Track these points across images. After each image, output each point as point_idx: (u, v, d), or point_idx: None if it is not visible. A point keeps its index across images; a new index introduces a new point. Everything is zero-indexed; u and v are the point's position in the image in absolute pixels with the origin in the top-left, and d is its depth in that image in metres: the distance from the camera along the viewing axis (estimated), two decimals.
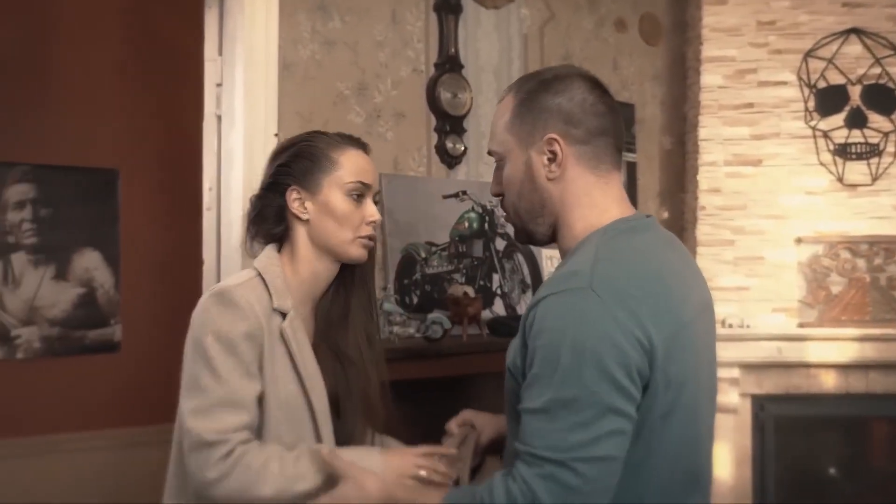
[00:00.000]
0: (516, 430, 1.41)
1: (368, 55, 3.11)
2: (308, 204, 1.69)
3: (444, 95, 3.23)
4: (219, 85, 2.93)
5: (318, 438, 1.65)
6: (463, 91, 3.28)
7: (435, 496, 1.46)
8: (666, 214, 4.01)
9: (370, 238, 1.72)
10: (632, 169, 3.90)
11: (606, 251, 1.41)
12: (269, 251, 1.72)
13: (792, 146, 3.61)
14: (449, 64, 3.24)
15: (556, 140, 1.47)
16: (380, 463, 1.58)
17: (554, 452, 1.31)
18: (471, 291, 2.99)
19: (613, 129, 1.51)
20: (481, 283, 3.23)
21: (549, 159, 1.48)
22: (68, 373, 4.13)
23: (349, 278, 1.75)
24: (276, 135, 2.85)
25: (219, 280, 2.91)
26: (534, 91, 1.50)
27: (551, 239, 1.54)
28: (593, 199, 1.49)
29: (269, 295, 1.64)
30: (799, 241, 3.58)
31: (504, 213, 1.61)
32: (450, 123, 3.23)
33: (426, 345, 2.75)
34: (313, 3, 2.97)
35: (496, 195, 1.60)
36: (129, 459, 4.19)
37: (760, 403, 3.60)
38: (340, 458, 1.57)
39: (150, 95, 4.36)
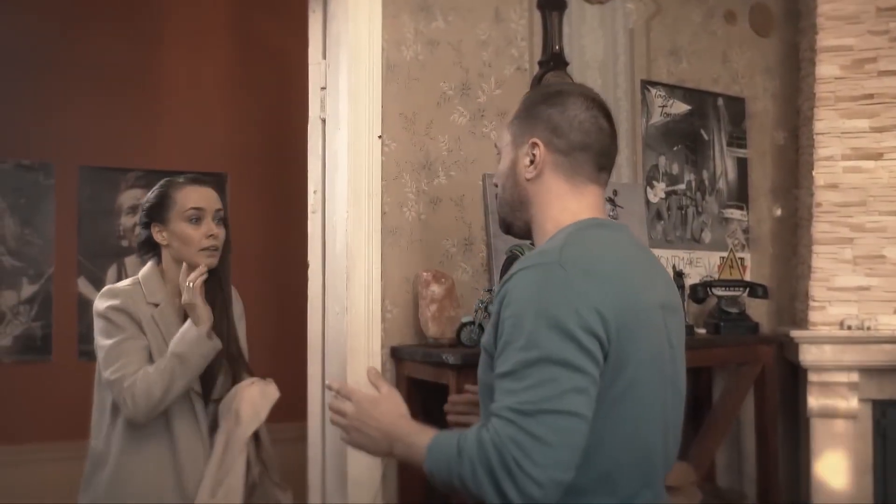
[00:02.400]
0: (491, 398, 1.49)
1: (472, 54, 3.08)
2: (164, 233, 2.30)
3: None
4: (323, 88, 2.95)
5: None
6: None
7: (426, 436, 1.51)
8: (779, 212, 3.86)
9: (213, 248, 2.30)
10: (742, 165, 3.77)
11: (575, 238, 1.54)
12: (149, 265, 2.36)
13: None
14: (553, 61, 3.19)
15: (537, 144, 1.61)
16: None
17: (523, 405, 1.38)
18: None
19: (598, 147, 1.63)
20: None
21: (530, 161, 1.62)
22: None
23: (213, 278, 2.33)
24: (380, 136, 2.85)
25: (324, 284, 2.93)
26: (536, 100, 1.68)
27: (526, 234, 1.69)
28: (565, 204, 1.62)
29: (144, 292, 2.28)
30: None
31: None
32: None
33: None
34: (416, 3, 2.96)
35: (495, 186, 1.76)
36: None
37: (882, 409, 3.41)
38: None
39: (257, 100, 4.46)
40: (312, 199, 2.99)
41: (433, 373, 2.66)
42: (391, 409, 1.64)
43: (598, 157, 1.63)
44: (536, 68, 3.19)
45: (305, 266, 3.02)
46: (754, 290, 3.43)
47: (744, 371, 3.32)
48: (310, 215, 3.01)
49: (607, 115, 1.66)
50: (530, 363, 1.39)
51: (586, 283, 1.45)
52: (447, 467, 1.43)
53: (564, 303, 1.42)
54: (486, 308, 2.71)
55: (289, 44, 3.63)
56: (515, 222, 1.70)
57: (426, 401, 2.83)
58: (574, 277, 1.44)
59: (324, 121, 2.95)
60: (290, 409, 4.05)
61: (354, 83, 2.83)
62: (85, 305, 4.07)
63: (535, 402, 1.37)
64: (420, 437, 1.51)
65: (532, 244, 1.70)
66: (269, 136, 4.44)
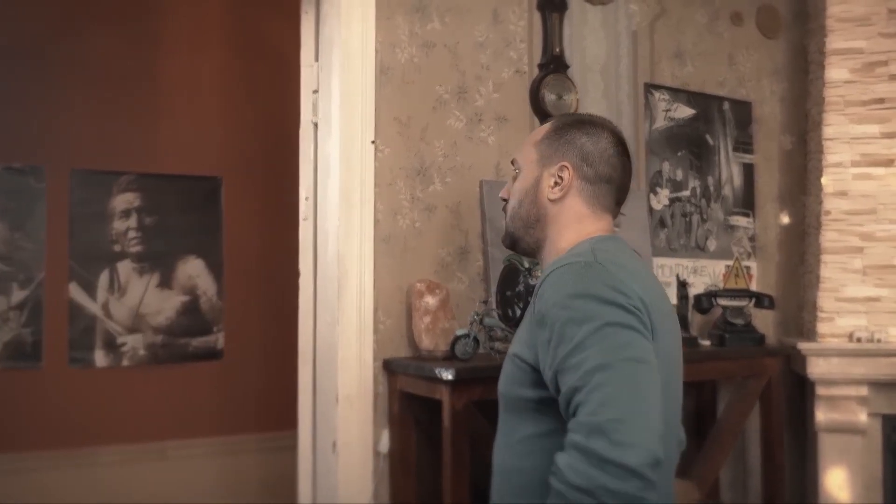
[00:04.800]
0: (515, 422, 1.59)
1: (469, 57, 2.99)
2: None
3: (549, 97, 3.08)
4: (315, 91, 2.88)
5: None
6: (568, 92, 3.12)
7: None
8: (786, 219, 3.75)
9: None
10: (749, 171, 3.67)
11: (601, 245, 1.62)
12: None
13: None
14: (553, 64, 3.09)
15: (567, 168, 1.69)
16: None
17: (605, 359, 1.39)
18: None
19: (619, 182, 1.73)
20: None
21: (555, 182, 1.69)
22: (172, 380, 4.20)
23: None
24: (374, 142, 2.76)
25: (315, 293, 2.85)
26: (569, 125, 1.73)
27: (532, 252, 1.77)
28: (582, 226, 1.69)
29: None
30: None
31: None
32: None
33: None
34: (411, 4, 2.87)
35: (503, 199, 1.81)
36: (230, 467, 4.22)
37: (892, 424, 3.31)
38: None
39: (252, 103, 4.40)
40: (304, 206, 2.92)
41: (426, 387, 2.57)
42: None
43: (617, 192, 1.73)
44: (536, 71, 3.10)
45: (297, 275, 2.93)
46: (760, 300, 3.33)
47: (749, 384, 3.22)
48: (301, 222, 2.94)
49: (629, 155, 1.75)
50: (591, 332, 1.41)
51: (623, 274, 1.52)
52: None
53: (608, 286, 1.47)
54: (481, 321, 2.62)
55: (285, 45, 3.56)
56: (525, 238, 1.75)
57: (420, 415, 2.74)
58: (613, 270, 1.52)
59: (316, 125, 2.87)
60: (280, 417, 4.04)
61: (347, 86, 2.74)
62: (76, 311, 4.00)
63: (609, 356, 1.38)
64: None
65: (536, 263, 1.71)
66: (264, 141, 4.37)
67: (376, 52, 2.78)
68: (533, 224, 1.73)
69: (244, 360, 4.32)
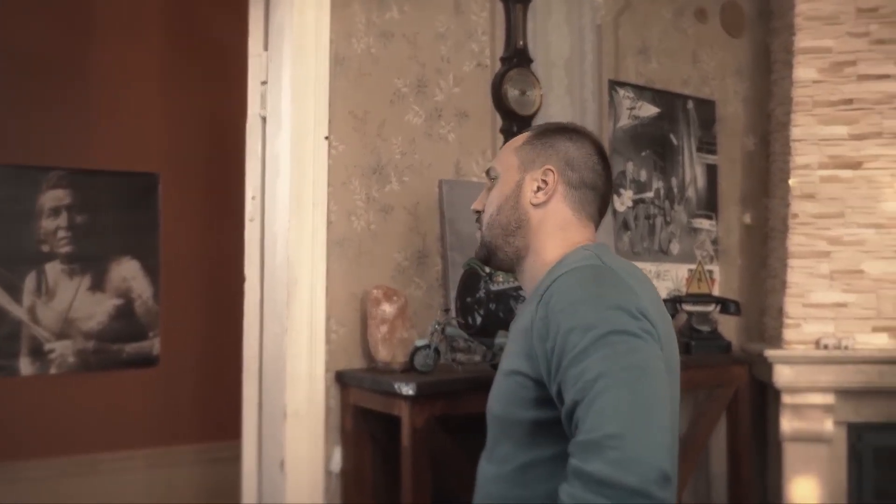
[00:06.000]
0: (513, 447, 1.45)
1: (429, 48, 2.82)
2: None
3: (512, 93, 2.90)
4: (264, 83, 2.70)
5: None
6: (532, 88, 2.95)
7: None
8: (748, 222, 3.65)
9: None
10: (712, 171, 3.56)
11: (602, 252, 1.53)
12: None
13: (895, 147, 3.24)
14: (517, 58, 2.92)
15: (552, 171, 1.60)
16: None
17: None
18: None
19: (603, 190, 1.65)
20: None
21: (538, 187, 1.60)
22: (104, 389, 4.00)
23: None
24: (327, 138, 2.58)
25: (262, 300, 2.66)
26: (551, 131, 1.67)
27: (510, 265, 1.65)
28: (568, 234, 1.59)
29: None
30: None
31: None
32: (517, 124, 2.89)
33: (493, 373, 2.43)
34: None
35: (475, 211, 1.72)
36: (167, 480, 4.04)
37: (858, 433, 3.25)
38: None
39: (193, 95, 4.22)
40: (250, 206, 2.73)
41: (383, 402, 2.39)
42: None
43: (600, 201, 1.65)
44: (498, 65, 2.93)
45: (242, 279, 2.73)
46: (726, 306, 3.22)
47: (716, 394, 3.10)
48: (247, 223, 2.76)
49: (609, 166, 1.68)
50: (595, 340, 1.29)
51: (631, 280, 1.45)
52: None
53: (618, 290, 1.39)
54: (443, 330, 2.44)
55: (230, 33, 3.35)
56: (504, 248, 1.64)
57: (375, 432, 2.57)
58: (622, 275, 1.44)
59: (264, 119, 2.69)
60: (221, 427, 3.86)
61: (299, 78, 2.56)
62: (1, 316, 3.73)
63: (610, 364, 1.26)
64: None
65: (514, 277, 1.66)
66: (207, 135, 4.18)
67: (331, 41, 2.61)
68: (513, 231, 1.63)
69: (182, 367, 4.12)
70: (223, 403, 3.51)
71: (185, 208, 4.16)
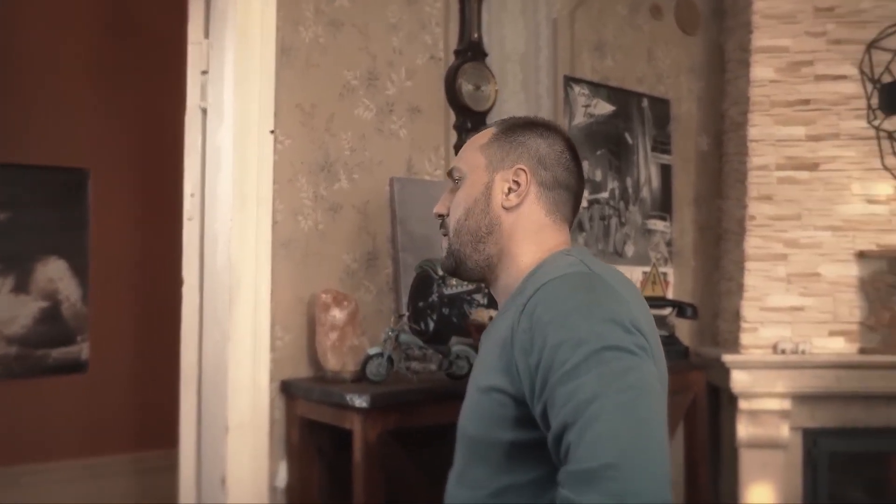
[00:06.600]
0: (489, 470, 1.33)
1: (380, 39, 2.69)
2: None
3: (466, 87, 2.78)
4: (204, 73, 2.54)
5: None
6: (486, 83, 2.83)
7: None
8: (701, 223, 3.59)
9: None
10: (666, 172, 3.48)
11: (587, 256, 1.42)
12: None
13: (852, 148, 3.21)
14: (471, 51, 2.79)
15: (524, 171, 1.49)
16: None
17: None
18: None
19: (576, 189, 1.54)
20: None
21: (510, 188, 1.49)
22: (29, 396, 3.80)
23: None
24: (273, 132, 2.44)
25: (202, 305, 2.49)
26: (519, 126, 1.54)
27: (480, 274, 1.52)
28: (543, 238, 1.48)
29: None
30: (860, 255, 3.18)
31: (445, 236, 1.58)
32: (471, 120, 2.77)
33: (450, 383, 2.32)
34: None
35: (438, 215, 1.58)
36: (100, 492, 3.86)
37: (814, 438, 3.21)
38: None
39: (127, 86, 4.05)
40: (189, 204, 2.57)
41: (333, 415, 2.25)
42: None
43: (574, 201, 1.54)
44: (452, 58, 2.81)
45: (179, 282, 2.57)
46: (683, 309, 3.14)
47: (674, 401, 3.01)
48: (185, 222, 2.59)
49: (580, 162, 1.56)
50: (588, 356, 1.17)
51: (622, 290, 1.34)
52: None
53: (612, 303, 1.27)
54: (397, 338, 2.30)
55: (166, 19, 3.17)
56: (474, 256, 1.50)
57: (323, 445, 2.42)
58: (612, 285, 1.33)
59: (205, 111, 2.53)
60: (156, 436, 3.68)
61: (243, 68, 2.42)
62: None
63: (606, 385, 1.14)
64: None
65: (486, 288, 1.44)
66: (141, 128, 4.00)
67: (277, 29, 2.47)
68: (484, 237, 1.49)
69: (113, 374, 3.93)
70: (157, 412, 3.34)
71: (117, 206, 3.98)
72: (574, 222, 1.57)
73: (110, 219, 3.95)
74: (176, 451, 2.59)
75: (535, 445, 1.25)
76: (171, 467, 2.63)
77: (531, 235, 1.48)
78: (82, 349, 3.88)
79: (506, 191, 1.49)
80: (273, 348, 2.44)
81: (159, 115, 3.72)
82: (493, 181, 1.50)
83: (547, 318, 1.24)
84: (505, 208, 1.48)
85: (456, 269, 1.54)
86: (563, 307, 1.25)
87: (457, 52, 2.81)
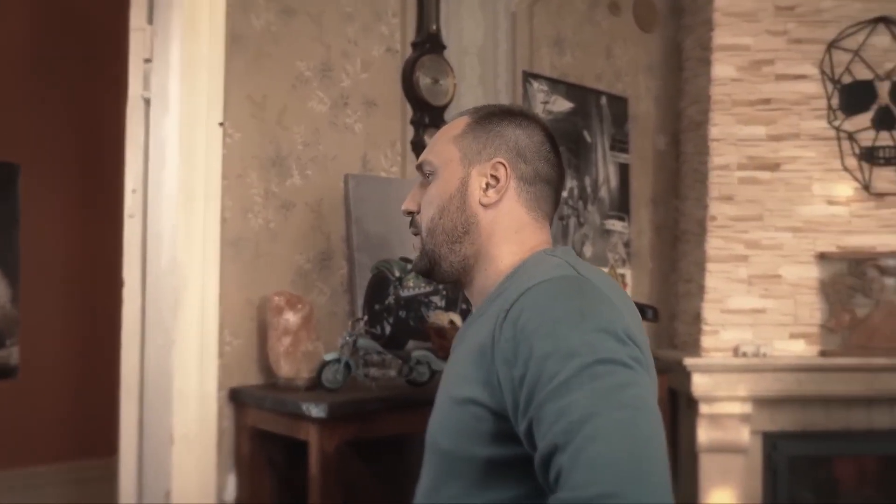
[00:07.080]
0: (463, 488, 1.22)
1: (334, 29, 2.57)
2: None
3: (423, 81, 2.67)
4: (147, 61, 2.41)
5: None
6: (445, 76, 2.73)
7: None
8: (658, 224, 3.53)
9: None
10: (624, 171, 3.41)
11: (573, 258, 1.34)
12: None
13: (813, 149, 3.18)
14: (429, 44, 2.69)
15: (503, 165, 1.38)
16: None
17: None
18: (457, 319, 2.47)
19: (557, 184, 1.44)
20: (464, 306, 2.70)
21: (488, 184, 1.39)
22: None
23: None
24: (221, 124, 2.32)
25: (144, 308, 2.35)
26: (495, 115, 1.43)
27: (455, 276, 1.42)
28: (524, 237, 1.39)
29: None
30: (821, 256, 3.16)
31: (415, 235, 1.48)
32: (429, 115, 2.68)
33: (411, 391, 2.21)
34: None
35: (407, 212, 1.46)
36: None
37: (773, 442, 3.19)
38: None
39: (61, 75, 3.85)
40: (131, 200, 2.43)
41: (287, 425, 2.12)
42: None
43: (555, 196, 1.43)
44: (409, 50, 2.70)
45: (120, 283, 2.43)
46: (644, 311, 3.06)
47: None
48: (126, 220, 2.45)
49: (560, 154, 1.45)
50: (579, 370, 1.07)
51: (613, 295, 1.23)
52: None
53: (603, 310, 1.17)
54: (354, 343, 2.18)
55: (102, 4, 3.00)
56: (449, 258, 1.40)
57: (274, 458, 2.29)
58: (603, 290, 1.22)
59: (148, 101, 2.39)
60: (92, 445, 3.52)
61: (190, 56, 2.29)
62: None
63: (601, 402, 1.04)
64: None
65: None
66: (76, 120, 3.83)
67: (227, 15, 2.34)
68: (460, 237, 1.38)
69: (45, 380, 3.75)
70: (95, 420, 3.19)
71: (50, 202, 3.79)
72: (554, 219, 1.47)
73: (43, 216, 3.77)
74: (115, 459, 2.45)
75: (516, 462, 1.15)
76: (110, 477, 2.51)
77: (511, 234, 1.38)
78: (11, 353, 3.69)
79: (483, 186, 1.38)
80: (221, 354, 2.31)
81: (98, 106, 3.57)
82: (469, 176, 1.39)
83: (532, 327, 1.14)
84: (483, 205, 1.37)
85: (431, 270, 1.43)
86: (551, 314, 1.15)
87: (414, 45, 2.71)
